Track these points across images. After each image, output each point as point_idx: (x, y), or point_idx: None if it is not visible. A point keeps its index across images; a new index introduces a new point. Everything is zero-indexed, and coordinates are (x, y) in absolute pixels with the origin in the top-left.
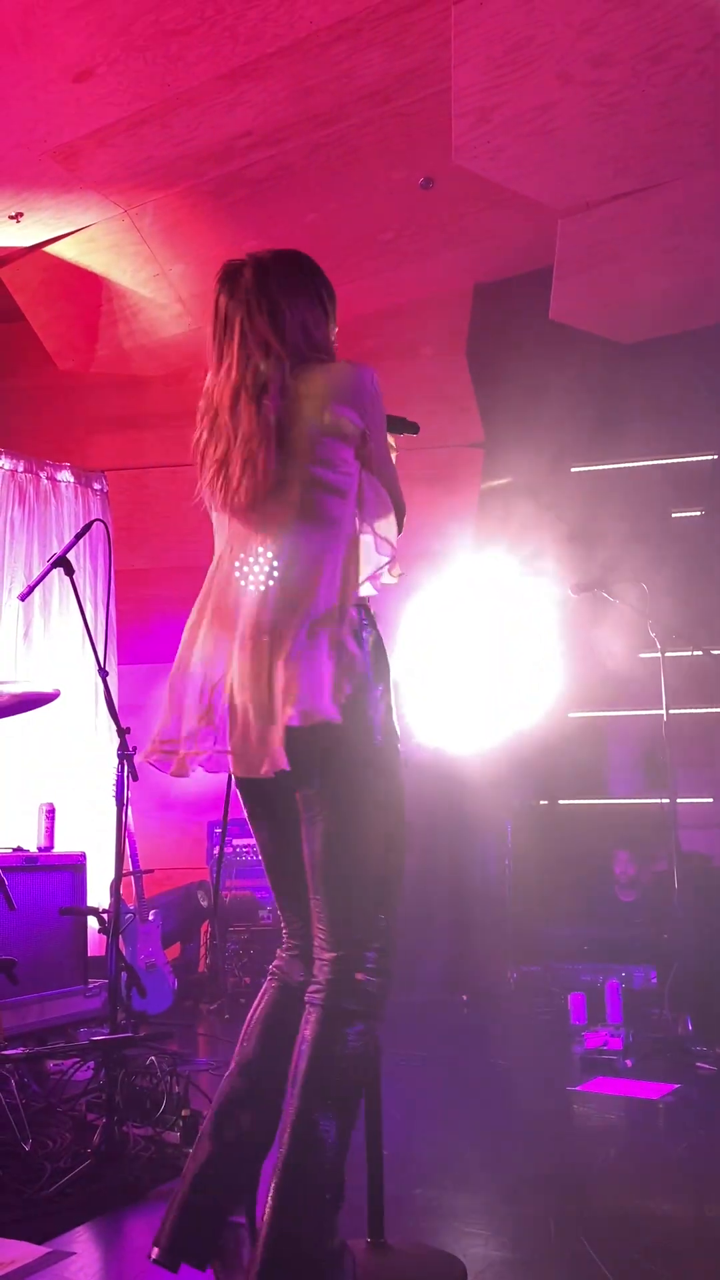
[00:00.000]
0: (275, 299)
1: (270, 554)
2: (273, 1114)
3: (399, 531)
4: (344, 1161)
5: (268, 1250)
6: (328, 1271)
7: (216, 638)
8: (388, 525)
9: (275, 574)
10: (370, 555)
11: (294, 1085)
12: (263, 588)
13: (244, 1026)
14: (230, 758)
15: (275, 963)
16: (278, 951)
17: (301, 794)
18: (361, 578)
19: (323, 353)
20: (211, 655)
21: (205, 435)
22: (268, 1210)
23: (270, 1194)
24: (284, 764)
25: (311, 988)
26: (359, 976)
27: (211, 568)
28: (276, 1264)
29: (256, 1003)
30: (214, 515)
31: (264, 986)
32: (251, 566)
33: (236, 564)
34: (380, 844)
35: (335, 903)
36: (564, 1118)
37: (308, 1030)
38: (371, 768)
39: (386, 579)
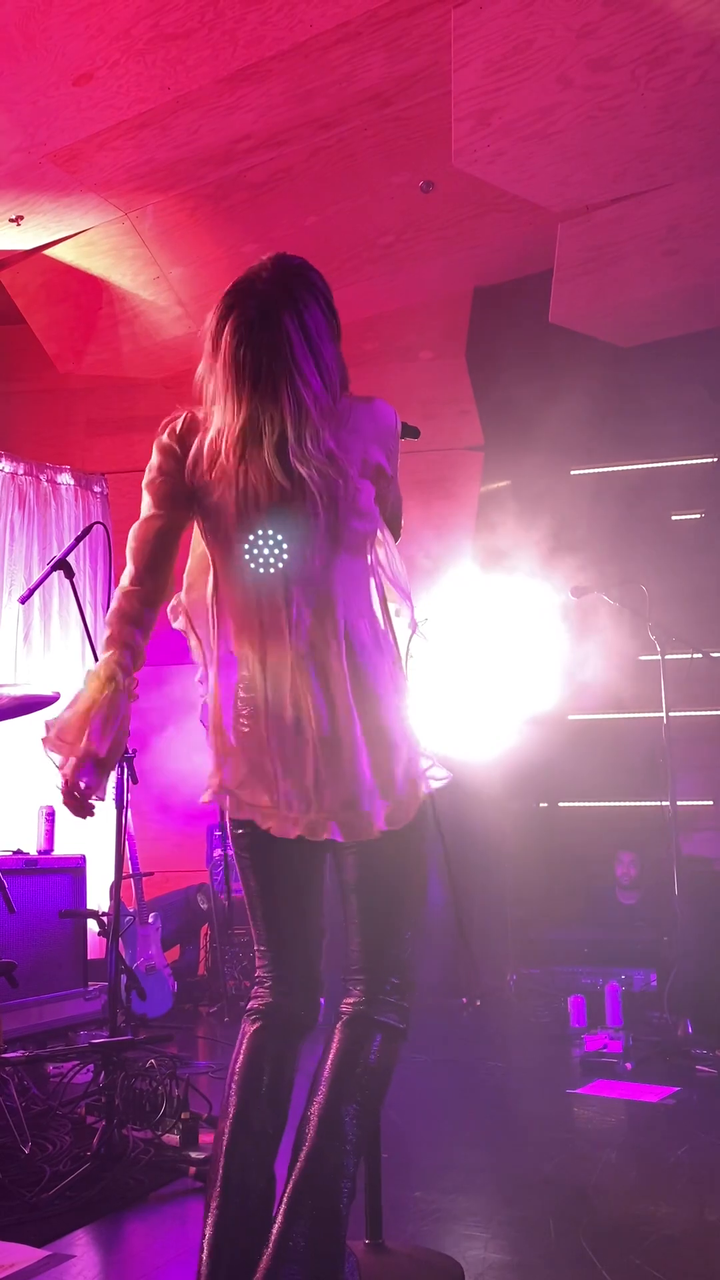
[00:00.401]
0: (316, 343)
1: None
2: (271, 1150)
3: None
4: (359, 1164)
5: (281, 1242)
6: (339, 1269)
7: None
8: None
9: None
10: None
11: (318, 1088)
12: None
13: (230, 1074)
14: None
15: (254, 1002)
16: (254, 990)
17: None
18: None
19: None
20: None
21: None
22: (285, 1204)
23: (289, 1189)
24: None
25: (346, 1002)
26: (395, 994)
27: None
28: (286, 1258)
29: (238, 1047)
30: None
31: (243, 1029)
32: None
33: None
34: (417, 867)
35: (373, 926)
36: (564, 1121)
37: (338, 1037)
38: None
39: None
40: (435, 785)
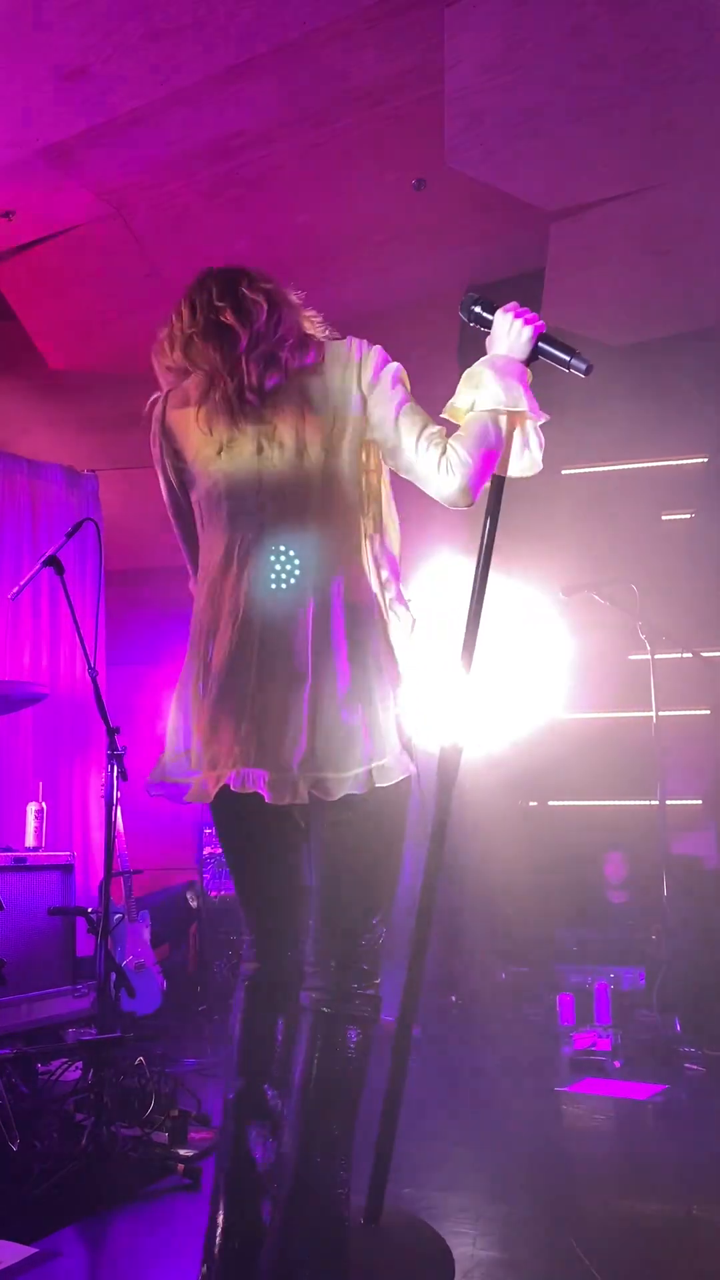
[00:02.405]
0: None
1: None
2: (279, 1103)
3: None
4: (350, 1162)
5: (280, 1258)
6: (338, 1271)
7: None
8: None
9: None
10: None
11: (299, 1093)
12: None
13: (230, 1037)
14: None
15: (244, 966)
16: (243, 953)
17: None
18: None
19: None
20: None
21: None
22: (279, 1217)
23: (281, 1200)
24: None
25: (312, 996)
26: (358, 982)
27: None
28: (289, 1265)
29: (234, 1013)
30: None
31: (235, 995)
32: None
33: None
34: (389, 852)
35: (336, 910)
36: (552, 1118)
37: (308, 1036)
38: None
39: None
40: (381, 783)
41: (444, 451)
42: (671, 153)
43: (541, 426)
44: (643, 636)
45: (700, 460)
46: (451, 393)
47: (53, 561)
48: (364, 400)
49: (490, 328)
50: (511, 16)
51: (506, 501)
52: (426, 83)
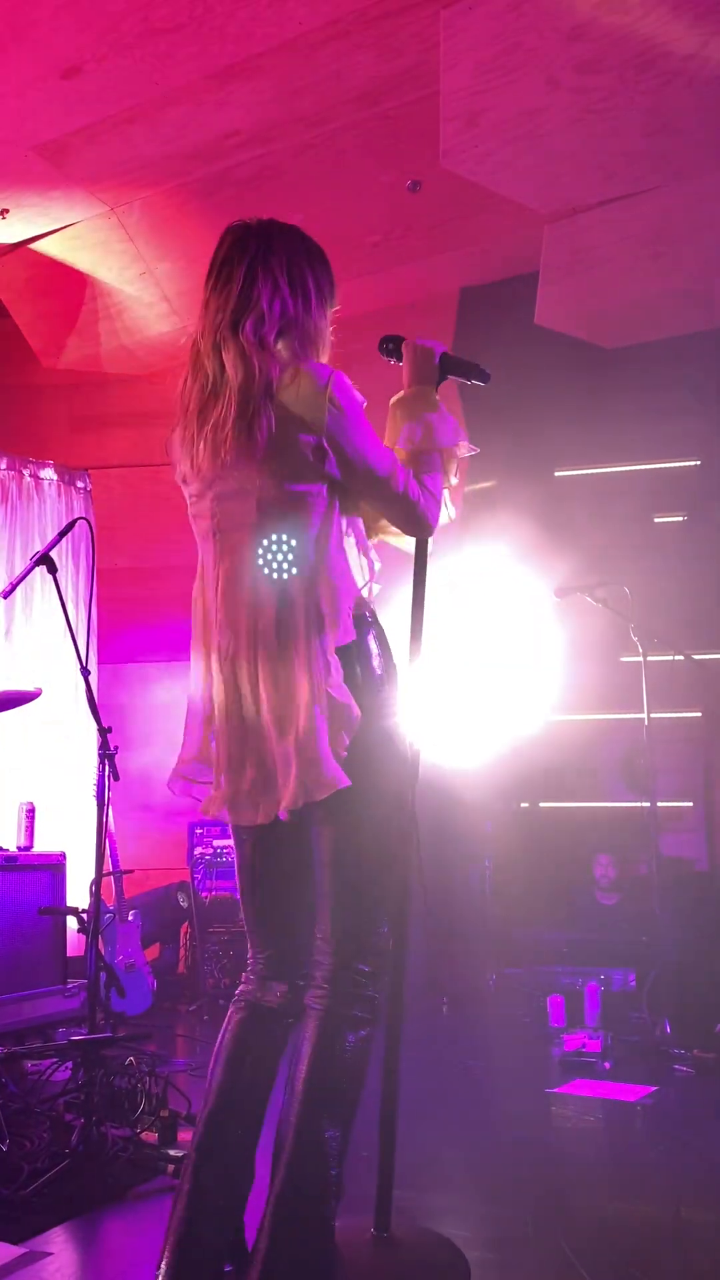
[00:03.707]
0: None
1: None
2: (252, 1140)
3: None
4: (344, 1166)
5: (268, 1257)
6: (334, 1271)
7: None
8: None
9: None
10: None
11: (293, 1093)
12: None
13: (214, 1057)
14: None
15: (243, 988)
16: (244, 976)
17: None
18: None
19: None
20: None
21: None
22: (269, 1216)
23: (272, 1200)
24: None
25: (312, 994)
26: (360, 984)
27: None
28: (276, 1271)
29: (223, 1033)
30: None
31: (229, 1015)
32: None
33: None
34: (387, 851)
35: (339, 910)
36: (543, 1119)
37: (307, 1036)
38: (381, 775)
39: None
40: (319, 794)
41: None
42: (666, 156)
43: (536, 427)
44: (635, 639)
45: (693, 463)
46: (446, 395)
47: (45, 560)
48: None
49: (400, 359)
50: (507, 18)
51: (502, 505)
52: (422, 84)
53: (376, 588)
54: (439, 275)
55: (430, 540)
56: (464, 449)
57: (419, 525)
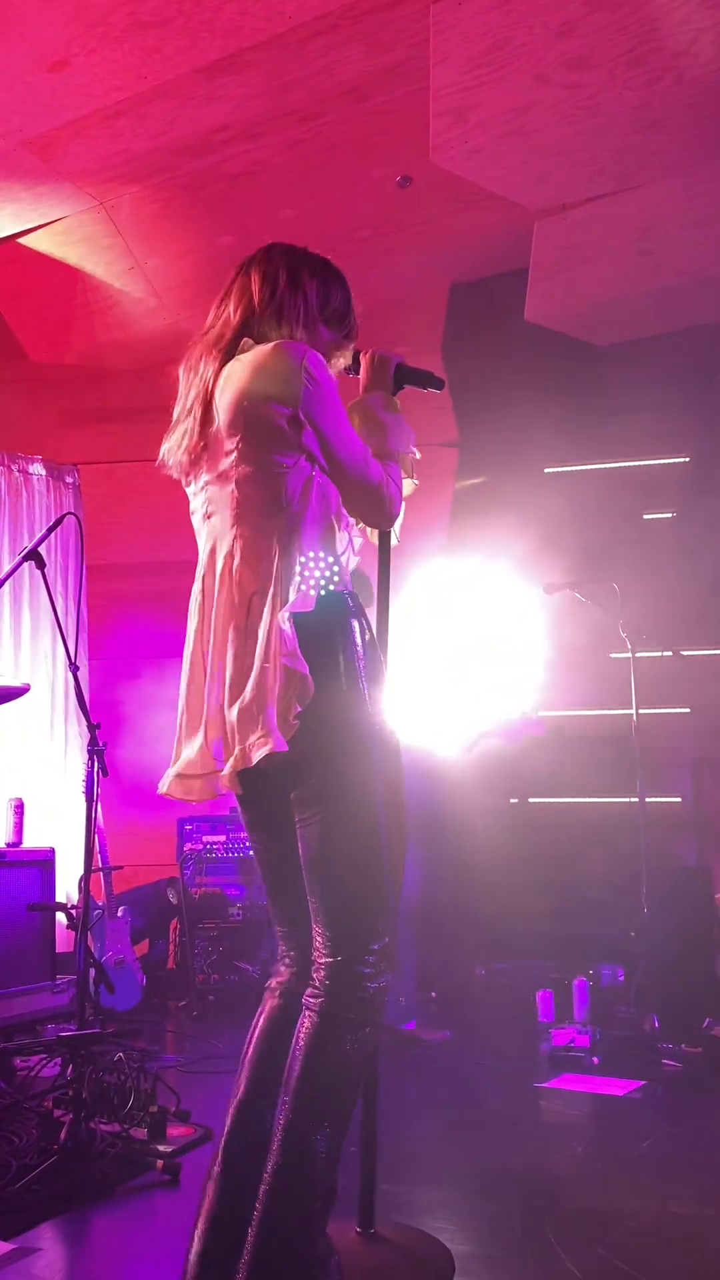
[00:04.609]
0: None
1: None
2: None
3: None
4: (335, 1168)
5: (254, 1258)
6: (313, 1276)
7: None
8: None
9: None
10: None
11: (286, 1092)
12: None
13: (246, 1043)
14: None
15: (276, 978)
16: (277, 966)
17: (295, 794)
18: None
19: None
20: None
21: None
22: (256, 1219)
23: (260, 1201)
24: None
25: (308, 992)
26: (357, 983)
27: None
28: (262, 1271)
29: (256, 1019)
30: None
31: (263, 1002)
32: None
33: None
34: (378, 844)
35: (333, 906)
36: (531, 1114)
37: (302, 1036)
38: (367, 765)
39: None
40: (255, 755)
41: None
42: (655, 152)
43: (526, 424)
44: (624, 635)
45: (682, 460)
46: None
47: (34, 555)
48: None
49: (358, 371)
50: (497, 14)
51: (492, 501)
52: (412, 79)
53: (355, 560)
54: (429, 271)
55: (394, 533)
56: (414, 456)
57: (383, 512)
